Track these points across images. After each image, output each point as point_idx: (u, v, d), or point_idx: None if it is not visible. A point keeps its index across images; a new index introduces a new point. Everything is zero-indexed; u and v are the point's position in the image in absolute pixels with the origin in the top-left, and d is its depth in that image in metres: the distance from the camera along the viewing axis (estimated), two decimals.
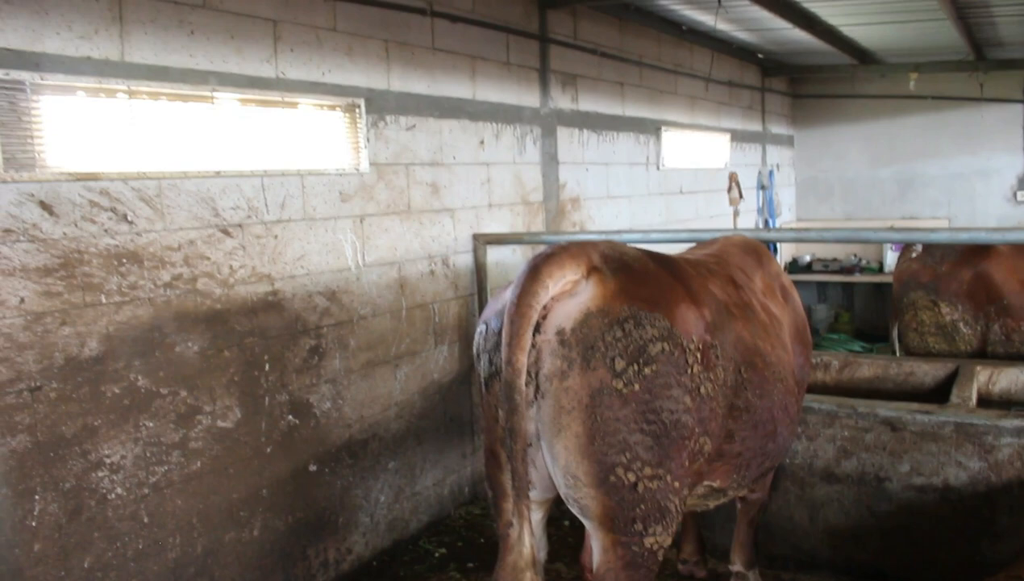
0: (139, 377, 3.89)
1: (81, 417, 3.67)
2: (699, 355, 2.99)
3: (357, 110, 4.92)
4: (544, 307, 2.93)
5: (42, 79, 3.49)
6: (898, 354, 6.24)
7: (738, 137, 10.54)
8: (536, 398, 2.92)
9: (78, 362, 3.65)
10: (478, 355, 3.23)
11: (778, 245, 11.37)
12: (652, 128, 8.40)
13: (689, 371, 2.94)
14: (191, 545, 4.13)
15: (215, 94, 4.15)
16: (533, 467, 3.05)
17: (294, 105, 4.57)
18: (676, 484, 2.98)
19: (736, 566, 4.59)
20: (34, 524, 3.54)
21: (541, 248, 6.13)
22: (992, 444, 4.42)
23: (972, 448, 4.46)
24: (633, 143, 8.06)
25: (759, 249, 4.22)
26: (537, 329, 2.91)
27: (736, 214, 10.21)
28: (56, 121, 3.57)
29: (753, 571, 4.59)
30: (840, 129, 12.37)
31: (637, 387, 2.84)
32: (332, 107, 4.80)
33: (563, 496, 3.05)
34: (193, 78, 4.05)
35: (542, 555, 3.37)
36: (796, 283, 12.22)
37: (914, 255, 6.15)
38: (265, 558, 4.50)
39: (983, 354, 5.83)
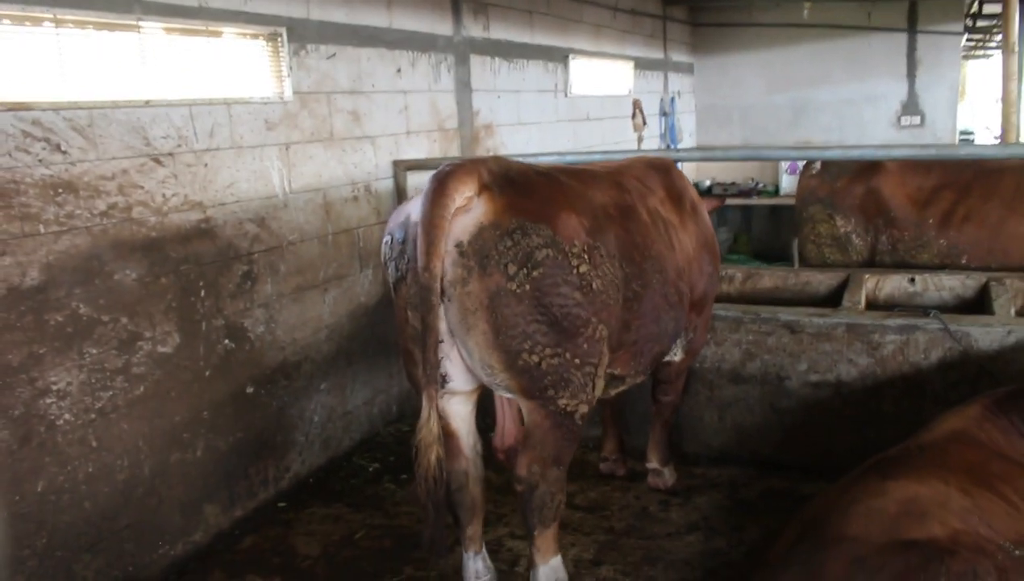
0: (81, 305, 3.96)
1: (27, 345, 3.74)
2: (585, 256, 3.42)
3: (279, 39, 4.97)
4: (450, 220, 3.28)
5: None
6: (797, 265, 6.70)
7: (641, 65, 10.82)
8: (444, 301, 3.31)
9: (20, 291, 3.70)
10: (385, 263, 3.60)
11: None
12: (560, 56, 8.59)
13: (575, 270, 3.37)
14: (138, 467, 4.27)
15: (141, 23, 4.16)
16: (449, 361, 3.48)
17: (218, 34, 4.60)
18: (576, 361, 3.45)
19: (652, 463, 5.00)
20: None
21: None
22: (878, 342, 4.89)
23: (861, 346, 4.93)
24: (542, 71, 8.25)
25: (668, 167, 4.57)
26: None
27: (640, 140, 10.54)
28: None
29: (668, 467, 5.00)
30: (738, 57, 12.80)
31: (528, 287, 3.27)
32: (255, 36, 4.84)
33: (486, 381, 3.51)
34: (117, 6, 4.04)
35: (479, 448, 3.84)
36: None
37: (814, 173, 6.58)
38: (209, 477, 4.66)
39: (872, 263, 6.34)
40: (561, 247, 3.34)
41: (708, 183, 12.60)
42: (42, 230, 3.78)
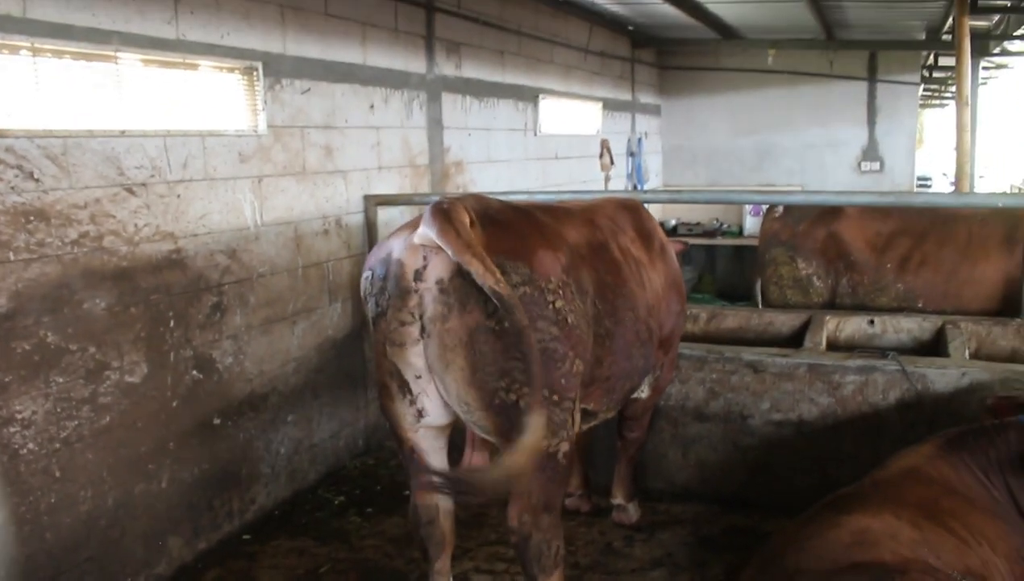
0: (49, 333, 3.94)
1: None
2: (560, 292, 3.46)
3: (255, 73, 5.03)
4: (424, 258, 3.33)
5: None
6: (760, 306, 6.82)
7: (609, 105, 11.01)
8: (423, 337, 3.35)
9: None
10: (365, 299, 3.60)
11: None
12: (530, 95, 8.73)
13: (551, 306, 3.41)
14: (102, 498, 4.23)
15: (118, 54, 4.20)
16: (426, 396, 3.49)
17: (195, 67, 4.65)
18: (555, 398, 3.45)
19: (617, 499, 5.04)
20: None
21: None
22: (839, 382, 5.00)
23: (822, 386, 5.04)
24: (513, 109, 8.38)
25: (637, 207, 4.67)
26: (418, 277, 3.34)
27: (607, 179, 10.70)
28: None
29: (632, 503, 5.05)
30: (704, 100, 13.06)
31: (506, 323, 3.24)
32: (231, 69, 4.90)
33: (463, 420, 3.50)
34: (96, 37, 4.08)
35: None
36: None
37: (776, 216, 6.74)
38: (174, 509, 4.63)
39: (833, 305, 6.49)
40: (538, 284, 3.39)
41: (674, 222, 12.78)
42: (12, 257, 3.78)
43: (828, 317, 5.98)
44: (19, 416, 3.84)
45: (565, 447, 3.53)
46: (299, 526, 5.17)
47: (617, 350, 3.93)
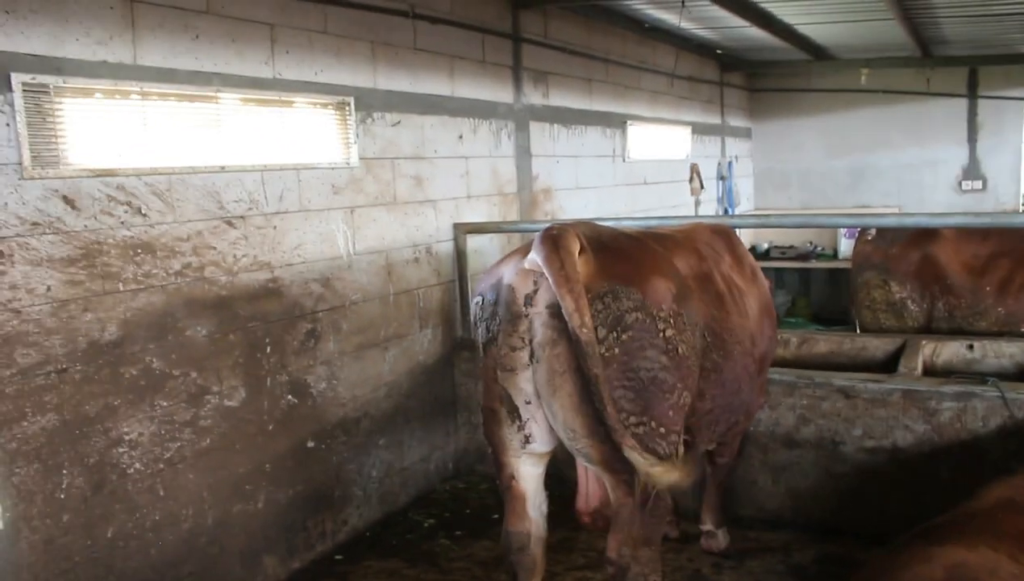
0: (154, 359, 4.17)
1: (103, 397, 3.95)
2: (671, 321, 3.42)
3: (347, 108, 5.23)
4: (535, 283, 3.35)
5: (64, 82, 3.75)
6: (857, 331, 6.69)
7: (698, 129, 10.97)
8: (532, 362, 3.36)
9: (99, 346, 3.92)
10: (475, 323, 3.63)
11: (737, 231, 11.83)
12: (618, 122, 8.78)
13: (662, 335, 3.38)
14: (202, 516, 4.42)
15: (219, 94, 4.43)
16: (534, 422, 3.49)
17: (290, 104, 4.87)
18: (661, 430, 3.41)
19: (707, 525, 4.99)
20: (62, 496, 3.81)
21: (517, 236, 6.49)
22: (935, 408, 4.86)
23: (917, 412, 4.90)
24: (600, 136, 8.44)
25: (729, 233, 4.66)
26: (529, 302, 3.36)
27: (697, 204, 10.64)
28: (76, 121, 3.83)
29: (722, 529, 4.99)
30: (796, 122, 12.87)
31: (617, 351, 3.28)
32: (324, 105, 5.10)
33: (568, 447, 3.49)
34: (199, 80, 4.32)
35: (544, 508, 3.78)
36: None
37: (869, 238, 6.61)
38: (269, 529, 4.80)
39: (929, 330, 6.31)
40: (650, 311, 3.37)
41: (766, 246, 12.60)
42: (121, 288, 4.02)
43: (924, 342, 5.81)
44: (127, 438, 4.06)
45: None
46: (389, 548, 5.28)
47: (725, 383, 3.90)
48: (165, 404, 4.22)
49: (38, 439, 3.71)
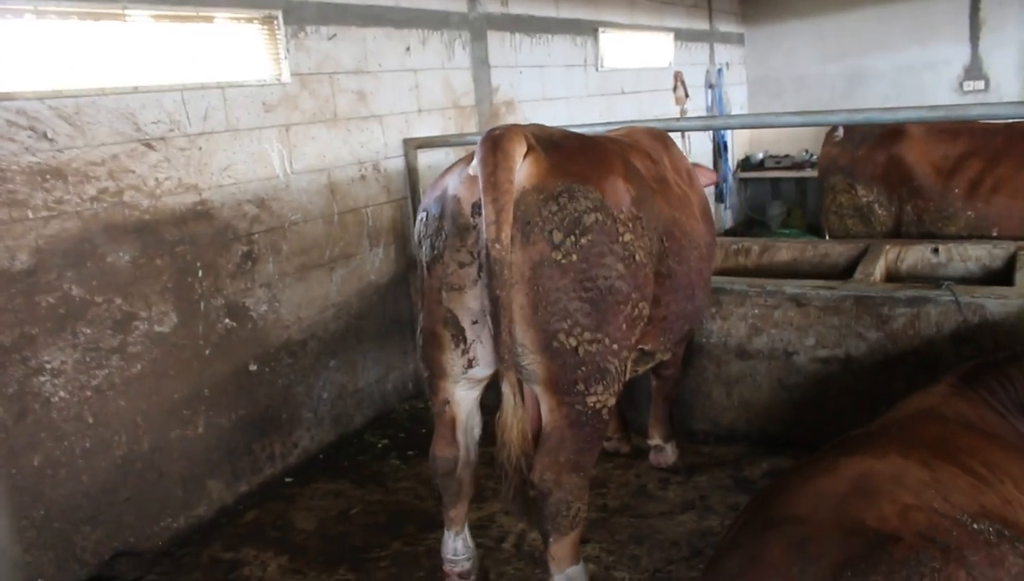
0: (73, 287, 4.09)
1: (18, 326, 3.88)
2: (630, 224, 3.21)
3: (275, 22, 5.03)
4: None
5: None
6: (827, 237, 6.51)
7: (683, 36, 10.59)
8: (479, 275, 3.13)
9: (9, 274, 3.84)
10: (419, 241, 3.41)
11: (729, 141, 11.53)
12: (589, 29, 8.47)
13: (620, 239, 3.16)
14: (137, 443, 4.41)
15: (126, 11, 4.25)
16: (479, 343, 3.28)
17: (210, 19, 4.68)
18: (615, 346, 3.21)
19: (655, 440, 4.92)
20: None
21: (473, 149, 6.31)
22: (888, 315, 4.72)
23: (870, 320, 4.76)
24: (569, 45, 8.15)
25: (664, 136, 4.45)
26: (476, 210, 3.12)
27: (683, 113, 10.34)
28: None
29: (671, 443, 4.92)
30: (790, 25, 12.40)
31: (575, 257, 3.06)
32: (249, 20, 4.91)
33: (513, 365, 3.22)
34: None
35: (477, 432, 3.67)
36: (749, 180, 12.42)
37: (836, 140, 6.36)
38: (212, 452, 4.79)
39: (897, 234, 6.11)
40: (610, 212, 3.13)
41: (761, 156, 12.30)
42: (30, 215, 3.92)
43: (888, 246, 5.64)
44: (48, 366, 4.02)
45: (612, 402, 3.30)
46: (340, 469, 5.28)
47: (679, 289, 3.72)
48: (88, 331, 4.17)
49: None
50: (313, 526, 4.65)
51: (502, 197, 2.99)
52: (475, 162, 3.14)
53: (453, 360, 3.36)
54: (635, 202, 3.30)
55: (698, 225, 3.99)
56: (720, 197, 11.60)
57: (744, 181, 12.61)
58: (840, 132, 6.30)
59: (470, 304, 3.21)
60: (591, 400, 3.21)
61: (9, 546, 3.90)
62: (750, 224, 12.59)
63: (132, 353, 4.36)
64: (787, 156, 12.26)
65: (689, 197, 4.12)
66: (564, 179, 3.10)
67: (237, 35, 4.85)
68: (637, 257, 3.23)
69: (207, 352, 4.74)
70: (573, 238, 3.06)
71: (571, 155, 3.24)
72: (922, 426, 3.16)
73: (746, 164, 12.30)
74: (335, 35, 5.43)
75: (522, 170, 3.10)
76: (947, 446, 3.06)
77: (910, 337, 4.69)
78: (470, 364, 3.33)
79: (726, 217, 12.09)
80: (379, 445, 5.57)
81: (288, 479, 5.19)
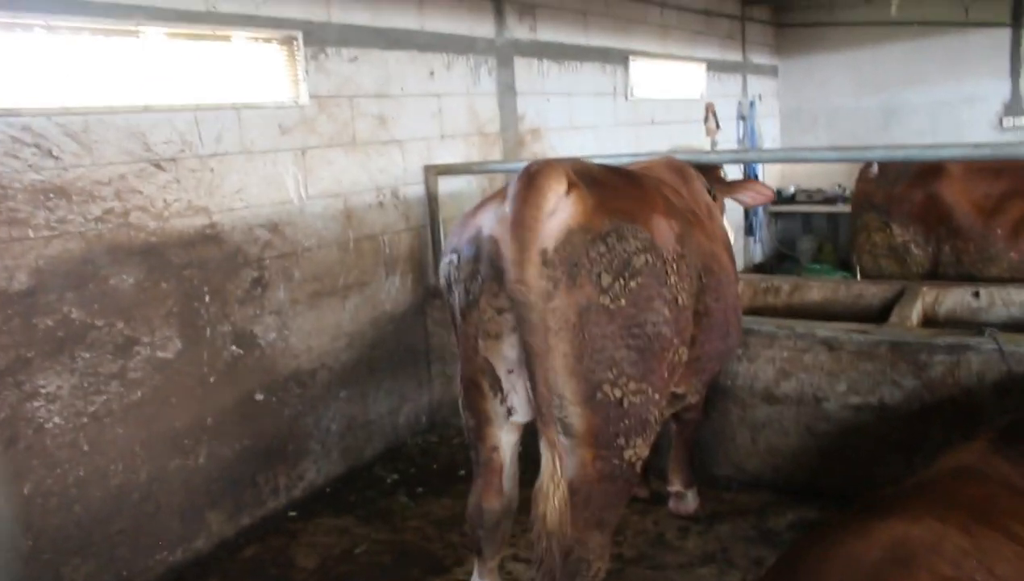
0: (73, 309, 3.95)
1: (13, 349, 3.75)
2: (674, 265, 3.03)
3: (295, 43, 4.90)
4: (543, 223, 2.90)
5: None
6: (858, 277, 6.26)
7: (715, 67, 10.41)
8: (518, 323, 2.89)
9: (7, 295, 3.71)
10: (450, 286, 3.20)
11: (760, 174, 11.30)
12: (619, 57, 8.31)
13: (668, 282, 2.98)
14: (134, 472, 4.24)
15: (140, 28, 4.14)
16: (514, 393, 3.09)
17: (227, 38, 4.56)
18: (656, 396, 3.04)
19: (675, 487, 4.70)
20: None
21: (501, 178, 6.16)
22: (925, 362, 4.46)
23: (907, 367, 4.51)
24: (599, 72, 7.99)
25: (684, 168, 4.27)
26: None
27: (714, 144, 10.14)
28: None
29: (692, 490, 4.69)
30: (824, 58, 12.18)
31: (624, 302, 2.87)
32: (268, 40, 4.79)
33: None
34: (116, 12, 4.03)
35: (517, 478, 3.43)
36: (780, 214, 12.15)
37: (870, 177, 6.13)
38: (213, 484, 4.61)
39: (935, 276, 5.86)
40: (660, 253, 2.96)
41: (792, 189, 12.05)
42: (31, 234, 3.79)
43: (925, 288, 5.38)
44: (43, 391, 3.87)
45: (646, 453, 3.10)
46: (346, 504, 5.08)
47: (714, 328, 3.52)
48: (87, 356, 4.02)
49: None
50: (314, 564, 4.45)
51: (526, 234, 2.78)
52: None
53: (495, 409, 3.17)
54: (679, 240, 3.12)
55: (729, 260, 3.82)
56: (750, 230, 11.36)
57: (775, 215, 12.37)
58: (875, 168, 6.07)
59: (507, 353, 3.01)
60: (628, 454, 3.03)
61: None
62: (780, 258, 12.33)
63: (133, 379, 4.21)
64: (819, 190, 12.01)
65: (714, 232, 3.93)
66: (612, 218, 2.91)
67: (255, 55, 4.73)
68: (680, 300, 3.05)
69: (211, 380, 4.58)
70: (622, 281, 2.87)
71: (616, 192, 3.06)
72: (961, 486, 2.92)
73: (777, 198, 12.05)
74: (356, 57, 5.31)
75: (566, 208, 2.89)
76: (989, 509, 2.81)
77: (949, 386, 4.43)
78: (509, 413, 3.15)
79: (756, 251, 11.84)
80: (388, 480, 5.37)
81: (292, 513, 5.00)
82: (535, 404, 2.88)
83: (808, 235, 12.16)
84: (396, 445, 5.83)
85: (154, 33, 4.21)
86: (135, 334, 4.21)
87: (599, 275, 2.84)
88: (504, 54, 6.67)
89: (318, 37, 5.05)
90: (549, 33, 7.22)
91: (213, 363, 4.58)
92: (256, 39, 4.73)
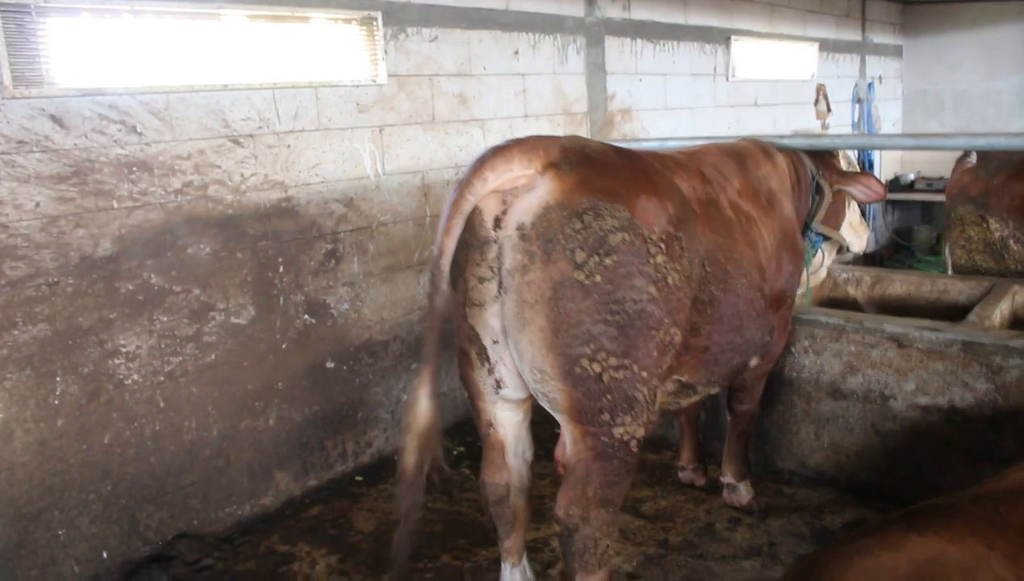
0: (152, 275, 4.24)
1: (96, 310, 4.06)
2: (662, 245, 3.02)
3: (375, 23, 5.05)
4: (503, 202, 3.00)
5: (46, 2, 3.78)
6: (950, 272, 5.98)
7: (829, 47, 10.03)
8: (500, 294, 3.01)
9: (92, 261, 4.02)
10: None
11: (876, 159, 10.84)
12: (720, 37, 8.13)
13: (652, 261, 2.98)
14: (206, 429, 4.53)
15: (221, 11, 4.36)
16: (503, 365, 3.18)
17: (306, 20, 4.74)
18: (644, 374, 3.04)
19: (727, 478, 4.65)
20: (56, 402, 3.97)
21: None
22: (1000, 365, 4.26)
23: (980, 368, 4.32)
24: (697, 53, 7.85)
25: (744, 156, 4.14)
26: (498, 224, 3.00)
27: (824, 128, 9.80)
28: (62, 40, 3.86)
29: (744, 482, 4.63)
30: (955, 37, 11.52)
31: (599, 278, 2.89)
32: (347, 20, 4.95)
33: (532, 391, 3.15)
34: None
35: (528, 455, 3.56)
36: (897, 202, 11.60)
37: (968, 167, 5.81)
38: (281, 445, 4.87)
39: None
40: (640, 232, 2.96)
41: (912, 176, 11.51)
42: (115, 205, 4.08)
43: (1016, 287, 5.10)
44: (124, 350, 4.18)
45: (641, 433, 3.11)
46: None
47: (723, 320, 3.50)
48: (165, 319, 4.31)
49: (29, 347, 3.87)
50: (371, 527, 4.65)
51: (452, 209, 2.92)
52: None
53: (484, 379, 3.26)
54: (672, 222, 3.10)
55: (751, 252, 3.69)
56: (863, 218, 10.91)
57: (891, 203, 11.84)
58: (973, 157, 5.75)
59: (490, 322, 3.09)
60: (618, 431, 3.04)
61: (76, 516, 4.08)
62: (896, 249, 11.82)
63: (207, 342, 4.48)
64: (941, 178, 11.40)
65: (753, 220, 3.83)
66: (591, 196, 2.93)
67: (334, 35, 4.90)
68: (670, 280, 3.03)
69: (283, 346, 4.82)
70: (597, 258, 2.89)
71: (602, 171, 3.05)
72: (1022, 507, 2.72)
73: (895, 185, 11.53)
74: (437, 37, 5.42)
75: (545, 184, 2.95)
76: None
77: None
78: (498, 385, 3.22)
79: (869, 240, 11.38)
80: (455, 452, 5.53)
81: (359, 477, 5.22)
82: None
83: (926, 225, 11.60)
84: (466, 418, 5.96)
85: (235, 15, 4.43)
86: (211, 300, 4.48)
87: (574, 251, 2.87)
88: (594, 33, 6.65)
89: (398, 17, 5.18)
90: (644, 12, 7.14)
91: (285, 330, 4.82)
92: (335, 20, 4.89)
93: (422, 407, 3.07)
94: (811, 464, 4.91)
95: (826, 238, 4.73)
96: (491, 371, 3.20)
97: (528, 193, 2.96)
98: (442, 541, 4.47)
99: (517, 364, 3.09)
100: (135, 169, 4.14)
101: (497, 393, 3.28)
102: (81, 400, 4.05)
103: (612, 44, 6.82)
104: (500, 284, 3.00)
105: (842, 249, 4.93)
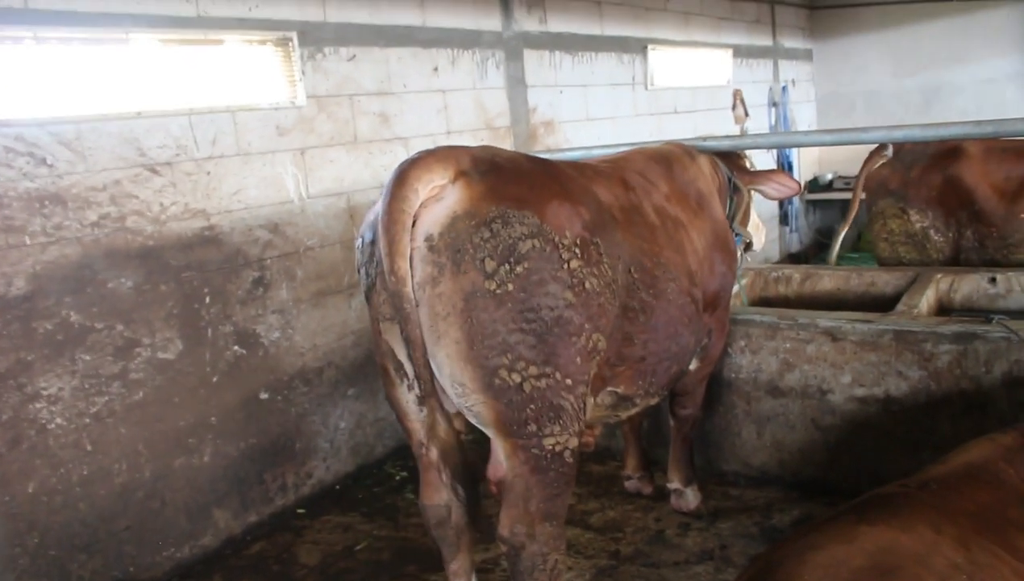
0: (72, 313, 4.06)
1: (13, 352, 3.86)
2: (577, 250, 2.97)
3: (290, 44, 4.95)
4: (413, 215, 2.92)
5: None
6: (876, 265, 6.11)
7: (743, 53, 10.24)
8: (395, 312, 2.93)
9: (6, 300, 3.83)
10: (357, 270, 3.26)
11: (795, 161, 11.08)
12: (638, 47, 8.22)
13: (566, 266, 2.92)
14: (138, 470, 4.34)
15: (130, 36, 4.22)
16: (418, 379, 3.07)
17: (219, 42, 4.62)
18: (568, 381, 2.97)
19: (674, 483, 4.63)
20: None
21: None
22: (931, 352, 4.35)
23: (912, 356, 4.39)
24: (616, 63, 7.92)
25: (670, 157, 4.15)
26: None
27: (743, 132, 9.96)
28: None
29: (691, 487, 4.62)
30: (861, 39, 11.89)
31: (511, 286, 2.83)
32: (262, 42, 4.84)
33: (456, 405, 3.06)
34: (105, 22, 4.11)
35: (472, 473, 3.36)
36: (817, 202, 11.85)
37: (884, 160, 5.95)
38: (218, 482, 4.70)
39: (956, 262, 5.68)
40: (550, 238, 2.90)
41: (830, 177, 11.80)
42: (28, 241, 3.90)
43: (939, 275, 5.22)
44: (45, 392, 3.98)
45: (574, 443, 3.06)
46: (353, 501, 5.14)
47: (657, 328, 3.47)
48: (88, 358, 4.12)
49: None
50: (316, 561, 4.51)
51: (393, 227, 2.81)
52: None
53: (406, 397, 3.18)
54: (587, 227, 3.05)
55: (679, 257, 3.67)
56: (785, 219, 11.16)
57: (812, 203, 12.11)
58: (889, 150, 5.89)
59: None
60: (548, 442, 2.98)
61: (1, 573, 3.86)
62: (819, 248, 12.08)
63: (134, 380, 4.31)
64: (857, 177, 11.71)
65: (681, 226, 3.82)
66: (499, 204, 2.88)
67: (249, 57, 4.79)
68: (588, 285, 2.99)
69: (214, 379, 4.66)
70: (508, 266, 2.83)
71: (511, 178, 3.00)
72: (967, 489, 2.71)
73: (814, 185, 11.81)
74: (355, 56, 5.34)
75: (452, 195, 2.89)
76: (994, 519, 2.58)
77: (956, 377, 4.30)
78: (421, 403, 3.13)
79: (792, 240, 11.63)
80: (397, 477, 5.42)
81: (300, 510, 5.07)
82: (420, 389, 2.98)
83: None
84: (407, 442, 5.85)
85: (144, 40, 4.29)
86: (135, 336, 4.30)
87: (483, 261, 2.82)
88: (512, 47, 6.65)
89: (314, 37, 5.09)
90: (561, 24, 7.17)
91: (215, 363, 4.66)
92: (250, 41, 4.78)
93: (442, 428, 3.07)
94: (755, 464, 4.94)
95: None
96: (412, 387, 3.12)
97: (436, 203, 2.90)
98: (391, 568, 4.36)
99: (438, 378, 3.00)
100: (47, 203, 3.96)
101: (422, 411, 3.17)
102: (1, 449, 3.84)
103: (531, 57, 6.83)
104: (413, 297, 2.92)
105: (749, 247, 4.95)
